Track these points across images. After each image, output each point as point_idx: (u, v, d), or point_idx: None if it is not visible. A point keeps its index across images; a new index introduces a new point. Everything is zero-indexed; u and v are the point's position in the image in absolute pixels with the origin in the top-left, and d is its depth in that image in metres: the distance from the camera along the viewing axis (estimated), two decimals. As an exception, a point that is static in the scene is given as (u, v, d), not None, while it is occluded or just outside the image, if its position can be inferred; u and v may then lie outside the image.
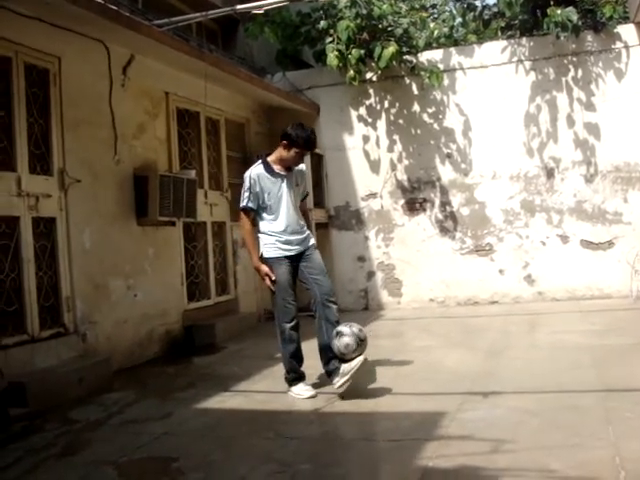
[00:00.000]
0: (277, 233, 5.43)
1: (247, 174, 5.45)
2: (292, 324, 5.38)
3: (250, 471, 3.81)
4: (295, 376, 5.44)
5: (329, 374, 5.31)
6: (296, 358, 5.45)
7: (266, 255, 5.43)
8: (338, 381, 5.15)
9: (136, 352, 7.10)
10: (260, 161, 5.53)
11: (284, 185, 5.45)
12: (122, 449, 4.32)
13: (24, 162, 5.89)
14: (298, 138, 5.37)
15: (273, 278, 5.34)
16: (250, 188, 5.40)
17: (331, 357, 5.24)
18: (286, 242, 5.44)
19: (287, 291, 5.40)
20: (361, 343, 5.14)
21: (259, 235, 5.53)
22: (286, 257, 5.43)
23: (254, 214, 5.52)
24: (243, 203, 5.45)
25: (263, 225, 5.50)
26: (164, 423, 4.89)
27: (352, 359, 5.10)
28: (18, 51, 5.87)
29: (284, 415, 4.96)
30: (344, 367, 5.13)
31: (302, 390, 5.35)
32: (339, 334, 5.12)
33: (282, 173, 5.47)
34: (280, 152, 5.45)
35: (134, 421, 5.00)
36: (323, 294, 5.38)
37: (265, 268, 5.37)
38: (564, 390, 4.99)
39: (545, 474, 3.43)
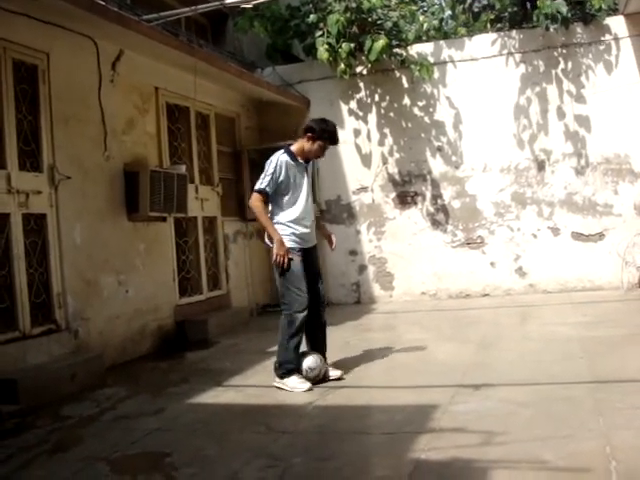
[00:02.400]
0: (294, 224, 5.44)
1: (273, 159, 5.44)
2: (305, 314, 5.38)
3: (243, 465, 3.82)
4: (291, 367, 5.38)
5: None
6: (299, 349, 5.47)
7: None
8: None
9: (128, 348, 7.09)
10: (284, 150, 5.54)
11: (305, 176, 5.56)
12: (115, 445, 4.31)
13: (13, 159, 5.86)
14: (324, 132, 5.49)
15: (288, 258, 5.34)
16: (273, 173, 5.38)
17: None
18: (302, 235, 5.48)
19: (301, 281, 5.41)
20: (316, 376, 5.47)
21: (275, 225, 5.50)
22: (300, 249, 5.47)
23: (267, 201, 5.50)
24: (262, 185, 5.40)
25: (281, 215, 5.48)
26: (157, 418, 4.89)
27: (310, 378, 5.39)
28: (6, 47, 5.83)
29: (276, 409, 4.97)
30: (292, 379, 5.37)
31: (298, 383, 5.30)
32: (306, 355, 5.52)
33: (304, 164, 5.57)
34: (303, 144, 5.52)
35: (127, 417, 4.99)
36: (318, 303, 5.60)
37: (286, 246, 5.36)
38: (555, 382, 5.01)
39: (536, 465, 3.45)
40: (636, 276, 9.41)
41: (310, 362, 5.42)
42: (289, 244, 5.39)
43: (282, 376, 5.38)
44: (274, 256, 5.39)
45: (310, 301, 5.43)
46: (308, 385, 5.29)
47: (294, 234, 5.43)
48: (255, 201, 5.45)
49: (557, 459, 3.48)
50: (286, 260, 5.33)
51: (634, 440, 3.67)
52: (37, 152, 6.19)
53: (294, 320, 5.37)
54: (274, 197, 5.45)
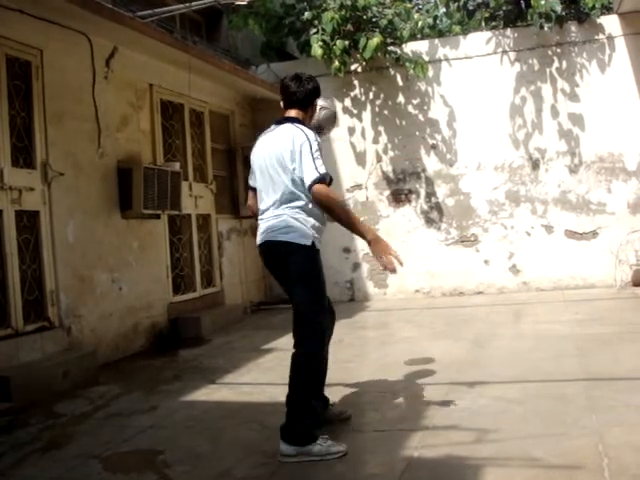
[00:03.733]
0: (322, 218, 4.14)
1: (308, 135, 3.97)
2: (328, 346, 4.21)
3: (236, 463, 3.82)
4: (320, 424, 3.95)
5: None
6: (319, 403, 4.09)
7: (318, 246, 4.09)
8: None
9: (122, 345, 7.08)
10: (299, 124, 4.11)
11: None
12: (108, 442, 4.31)
13: (6, 155, 5.84)
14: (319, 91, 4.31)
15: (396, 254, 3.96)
16: (321, 152, 3.98)
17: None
18: (321, 229, 4.19)
19: (324, 295, 4.15)
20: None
21: (299, 217, 4.02)
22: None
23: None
24: (323, 169, 3.89)
25: (311, 204, 4.02)
26: (150, 416, 4.88)
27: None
28: (0, 43, 5.81)
29: (270, 407, 4.94)
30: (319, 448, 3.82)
31: (333, 445, 3.84)
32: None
33: None
34: (307, 117, 4.27)
35: (120, 414, 4.99)
36: (332, 314, 4.42)
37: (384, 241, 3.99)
38: (548, 379, 5.03)
39: (529, 462, 3.46)
40: (629, 274, 9.44)
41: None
42: (319, 245, 4.11)
43: (308, 438, 3.82)
44: (381, 259, 3.97)
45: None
46: (344, 446, 3.85)
47: (320, 230, 4.15)
48: (328, 192, 3.91)
49: (549, 456, 3.49)
50: (396, 259, 3.93)
51: (626, 437, 3.68)
52: (30, 149, 6.17)
53: (321, 341, 4.02)
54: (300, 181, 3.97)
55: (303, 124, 4.11)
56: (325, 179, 3.89)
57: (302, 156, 3.92)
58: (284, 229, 3.99)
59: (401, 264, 3.97)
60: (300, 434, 3.83)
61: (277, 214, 4.03)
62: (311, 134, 3.99)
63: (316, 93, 4.22)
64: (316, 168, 3.88)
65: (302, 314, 4.00)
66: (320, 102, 4.39)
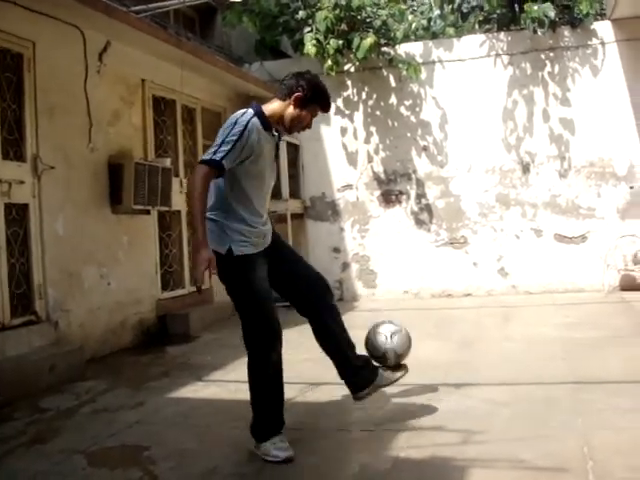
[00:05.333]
0: (253, 218, 3.79)
1: (238, 119, 3.71)
2: (279, 350, 3.88)
3: (222, 460, 3.81)
4: (274, 427, 3.86)
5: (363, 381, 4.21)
6: (281, 400, 3.96)
7: (239, 252, 3.74)
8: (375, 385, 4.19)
9: (109, 340, 7.05)
10: (253, 111, 3.79)
11: (273, 152, 3.96)
12: (93, 438, 4.29)
13: (-4, 148, 5.81)
14: (317, 92, 3.89)
15: (214, 271, 3.65)
16: (238, 141, 3.61)
17: (361, 364, 4.23)
18: (262, 234, 3.89)
19: (270, 301, 3.85)
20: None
21: (220, 221, 3.77)
22: (262, 251, 3.90)
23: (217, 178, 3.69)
24: (216, 156, 3.59)
25: (234, 204, 3.76)
26: (136, 412, 4.87)
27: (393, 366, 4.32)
28: (-9, 35, 5.79)
29: (257, 405, 4.95)
30: (386, 374, 4.26)
31: (279, 449, 3.77)
32: (393, 334, 4.36)
33: (276, 137, 3.95)
34: (283, 108, 3.86)
35: (106, 410, 4.97)
36: (320, 280, 4.14)
37: (209, 254, 3.58)
38: (536, 382, 5.04)
39: (515, 464, 3.47)
40: (617, 279, 9.48)
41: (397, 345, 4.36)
42: (249, 249, 3.77)
43: (261, 438, 3.84)
44: (198, 267, 3.63)
45: (311, 291, 4.07)
46: (291, 452, 3.76)
47: (252, 232, 3.79)
48: (199, 178, 3.60)
49: (535, 458, 3.50)
50: (207, 272, 3.62)
51: (612, 440, 3.69)
52: (21, 141, 6.13)
53: (266, 362, 3.84)
54: (230, 179, 3.72)
55: (258, 111, 3.80)
56: (209, 163, 3.59)
57: (216, 137, 3.72)
58: (209, 235, 3.71)
59: (198, 291, 3.99)
60: (255, 430, 3.87)
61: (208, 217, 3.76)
62: (243, 119, 3.70)
63: (298, 89, 3.82)
64: (213, 152, 3.62)
65: (242, 323, 3.86)
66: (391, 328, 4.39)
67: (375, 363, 4.29)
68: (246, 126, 3.66)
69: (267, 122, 3.80)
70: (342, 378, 4.22)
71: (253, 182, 3.78)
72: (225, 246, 3.72)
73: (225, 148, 3.61)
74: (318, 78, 4.00)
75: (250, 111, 3.78)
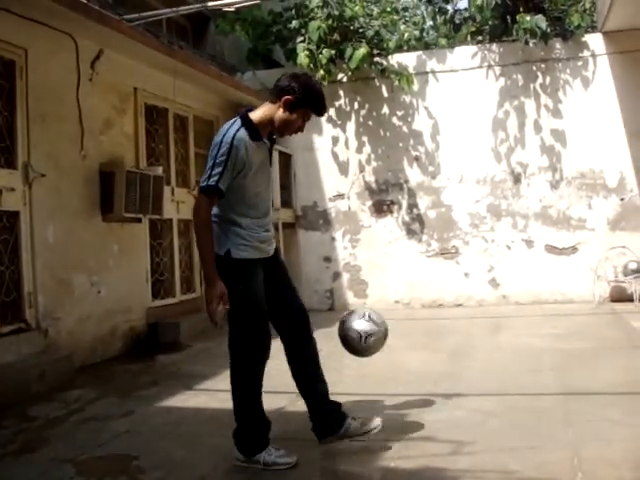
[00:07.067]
0: (256, 221, 3.78)
1: (224, 137, 3.64)
2: (265, 362, 3.82)
3: (211, 470, 3.79)
4: (262, 439, 3.80)
5: (326, 424, 4.04)
6: (262, 412, 3.85)
7: (237, 255, 3.70)
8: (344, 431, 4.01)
9: (99, 349, 7.02)
10: (240, 122, 3.72)
11: (267, 159, 3.90)
12: (82, 447, 4.27)
13: (-12, 155, 5.80)
14: (310, 95, 3.76)
15: (227, 306, 3.66)
16: (227, 161, 3.57)
17: (328, 408, 4.06)
18: (263, 239, 3.84)
19: (263, 311, 3.80)
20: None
21: (220, 223, 3.75)
22: (261, 260, 3.84)
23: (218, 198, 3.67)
24: (211, 181, 3.58)
25: (234, 210, 3.74)
26: (126, 421, 4.84)
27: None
28: (-16, 42, 5.79)
29: (247, 414, 4.94)
30: (354, 425, 4.06)
31: (281, 456, 3.75)
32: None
33: (267, 143, 3.87)
34: (273, 112, 3.76)
35: (95, 419, 4.94)
36: (303, 313, 4.06)
37: (222, 286, 3.62)
38: (526, 392, 5.04)
39: (504, 475, 3.47)
40: (607, 290, 9.52)
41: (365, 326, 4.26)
42: (249, 253, 3.73)
43: (251, 452, 3.76)
44: (212, 304, 3.63)
45: (290, 322, 4.00)
46: (294, 458, 3.76)
47: (253, 237, 3.76)
48: (200, 207, 3.63)
49: (524, 469, 3.50)
50: (221, 309, 3.64)
51: (602, 452, 3.70)
52: (12, 149, 6.12)
53: (251, 375, 3.79)
54: (228, 189, 3.66)
55: (245, 120, 3.72)
56: (208, 192, 3.59)
57: (208, 159, 3.68)
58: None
59: (215, 325, 3.68)
60: (243, 444, 3.78)
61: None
62: (228, 135, 3.63)
63: (288, 92, 3.70)
64: (207, 177, 3.59)
65: (230, 329, 3.83)
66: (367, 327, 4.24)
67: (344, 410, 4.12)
68: (232, 143, 3.60)
69: (256, 131, 3.72)
70: (309, 414, 4.08)
71: (250, 190, 3.74)
72: (224, 248, 3.70)
73: (218, 170, 3.58)
74: (313, 80, 3.94)
75: (237, 123, 3.71)
